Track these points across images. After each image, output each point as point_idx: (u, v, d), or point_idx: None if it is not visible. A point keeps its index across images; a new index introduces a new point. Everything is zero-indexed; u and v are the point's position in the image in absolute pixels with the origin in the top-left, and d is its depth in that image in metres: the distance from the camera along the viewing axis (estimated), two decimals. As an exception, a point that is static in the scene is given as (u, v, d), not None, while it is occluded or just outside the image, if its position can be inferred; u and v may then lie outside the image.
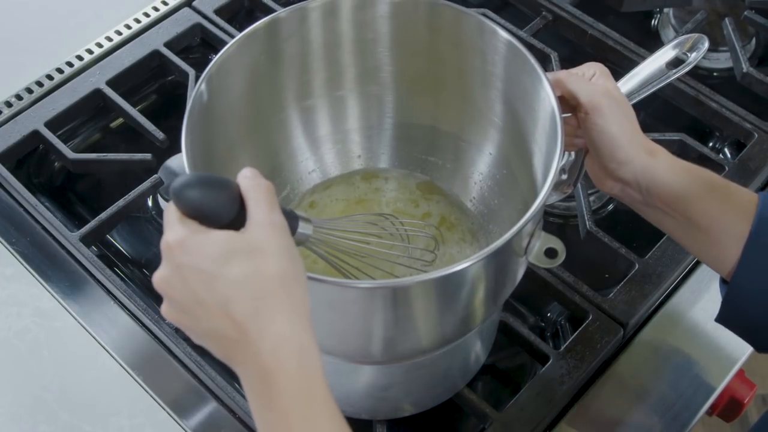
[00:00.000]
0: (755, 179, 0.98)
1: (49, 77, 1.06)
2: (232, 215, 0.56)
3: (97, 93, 1.04)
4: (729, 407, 0.90)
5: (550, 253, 0.69)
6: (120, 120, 1.08)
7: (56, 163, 1.05)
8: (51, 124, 1.01)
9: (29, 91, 1.05)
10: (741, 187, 0.71)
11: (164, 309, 0.57)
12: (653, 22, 1.22)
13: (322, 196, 0.88)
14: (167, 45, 1.08)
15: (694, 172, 0.70)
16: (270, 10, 1.09)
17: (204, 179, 0.57)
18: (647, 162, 0.70)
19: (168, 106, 1.12)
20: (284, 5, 1.05)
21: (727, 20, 1.12)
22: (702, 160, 0.99)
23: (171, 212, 0.56)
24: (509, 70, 0.76)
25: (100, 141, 1.09)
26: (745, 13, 1.14)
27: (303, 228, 0.62)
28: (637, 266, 0.91)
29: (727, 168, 0.98)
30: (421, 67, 0.83)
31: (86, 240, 0.92)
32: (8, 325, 0.88)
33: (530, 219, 0.64)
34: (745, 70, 1.07)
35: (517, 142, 0.79)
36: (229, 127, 0.77)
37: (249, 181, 0.58)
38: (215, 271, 0.54)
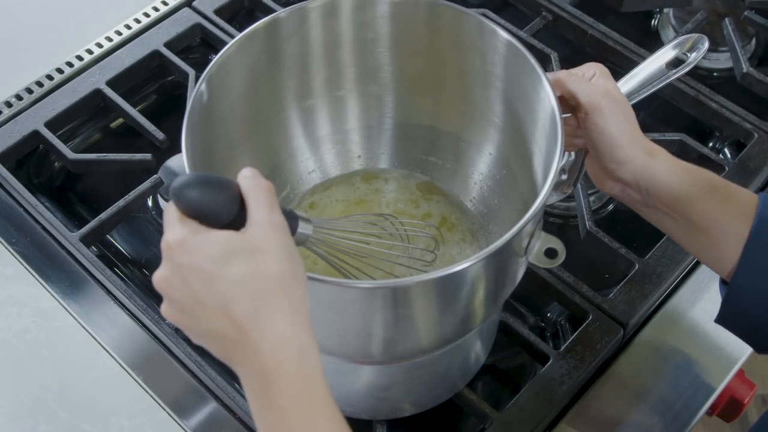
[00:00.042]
0: (755, 179, 0.98)
1: (49, 77, 1.06)
2: (232, 215, 0.57)
3: (97, 93, 1.04)
4: (729, 407, 0.90)
5: (550, 253, 0.69)
6: (120, 120, 1.09)
7: (56, 164, 1.05)
8: (51, 124, 1.01)
9: (29, 91, 1.05)
10: (741, 187, 0.71)
11: (164, 309, 0.57)
12: (653, 22, 1.22)
13: (322, 197, 0.88)
14: (167, 45, 1.08)
15: (694, 173, 0.70)
16: (270, 10, 1.09)
17: (204, 179, 0.57)
18: (647, 162, 0.70)
19: (168, 106, 1.12)
20: (284, 5, 1.05)
21: (727, 20, 1.12)
22: (702, 161, 0.99)
23: (171, 212, 0.56)
24: (509, 71, 0.76)
25: (100, 141, 1.09)
26: (745, 13, 1.14)
27: (303, 228, 0.62)
28: (637, 266, 0.91)
29: (727, 168, 0.98)
30: (421, 67, 0.83)
31: (86, 240, 0.92)
32: (8, 325, 0.88)
33: (530, 219, 0.64)
34: (745, 70, 1.07)
35: (517, 142, 0.79)
36: (229, 127, 0.77)
37: (249, 181, 0.58)
38: (215, 271, 0.54)
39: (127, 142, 1.07)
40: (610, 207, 1.02)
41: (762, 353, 0.75)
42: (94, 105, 1.05)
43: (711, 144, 1.08)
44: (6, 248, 0.93)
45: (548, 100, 0.70)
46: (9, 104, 1.03)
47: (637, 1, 1.17)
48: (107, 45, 1.09)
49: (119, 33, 1.10)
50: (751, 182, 0.98)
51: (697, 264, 0.93)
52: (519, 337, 0.88)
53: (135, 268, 0.98)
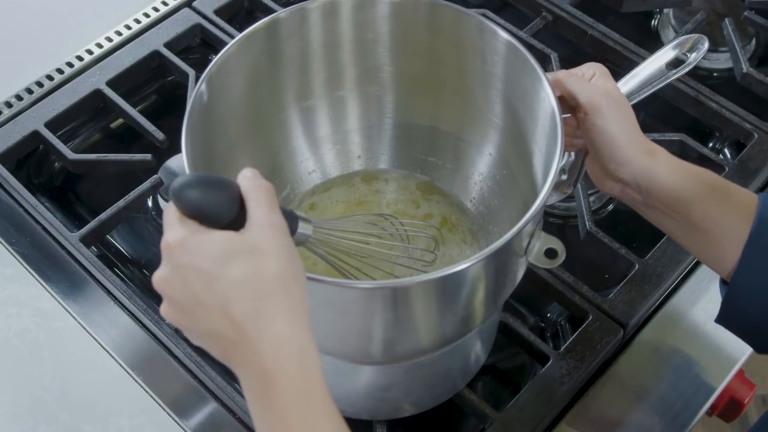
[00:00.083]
0: (755, 179, 0.98)
1: (49, 77, 1.06)
2: (232, 215, 0.56)
3: (97, 93, 1.04)
4: (729, 407, 0.90)
5: (550, 253, 0.69)
6: (120, 120, 1.09)
7: (56, 164, 1.05)
8: (51, 125, 1.01)
9: (29, 91, 1.05)
10: (741, 188, 0.71)
11: (163, 309, 0.57)
12: (653, 22, 1.22)
13: (322, 198, 0.88)
14: (167, 45, 1.08)
15: (695, 174, 0.70)
16: (270, 11, 1.09)
17: (204, 179, 0.57)
18: (647, 163, 0.70)
19: (168, 106, 1.12)
20: (284, 5, 1.05)
21: (727, 20, 1.12)
22: (702, 161, 0.99)
23: (171, 212, 0.56)
24: (509, 71, 0.76)
25: (100, 141, 1.09)
26: (745, 13, 1.14)
27: (303, 228, 0.62)
28: (637, 266, 0.91)
29: (727, 168, 0.98)
30: (421, 67, 0.83)
31: (86, 240, 0.92)
32: (8, 326, 0.88)
33: (530, 219, 0.64)
34: (745, 70, 1.07)
35: (517, 142, 0.79)
36: (229, 128, 0.77)
37: (249, 181, 0.58)
38: (215, 271, 0.54)
39: (127, 143, 1.07)
40: (610, 207, 1.02)
41: (762, 353, 0.75)
42: (94, 105, 1.05)
43: (711, 144, 1.08)
44: (6, 248, 0.93)
45: (548, 100, 0.70)
46: (9, 104, 1.03)
47: (637, 2, 1.17)
48: (107, 45, 1.09)
49: (119, 33, 1.10)
50: (751, 182, 0.98)
51: (697, 264, 0.93)
52: (519, 338, 0.88)
53: (135, 268, 0.98)
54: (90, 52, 1.08)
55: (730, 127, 1.04)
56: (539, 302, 0.96)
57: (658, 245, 0.92)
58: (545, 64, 1.06)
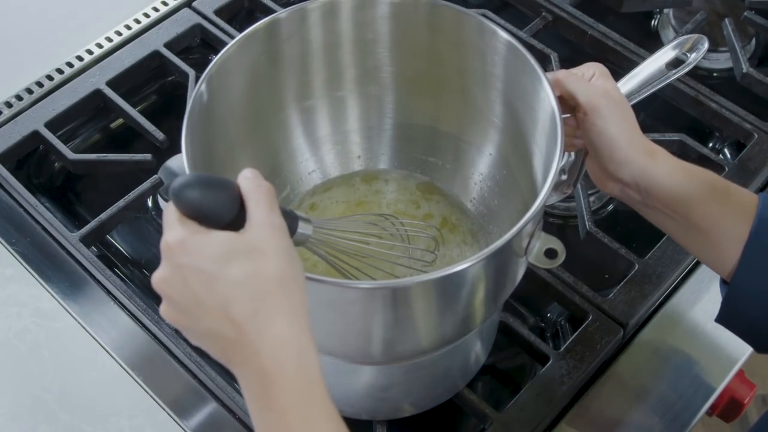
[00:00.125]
0: (755, 180, 0.98)
1: (49, 78, 1.06)
2: (232, 216, 0.56)
3: (97, 93, 1.04)
4: (729, 407, 0.90)
5: (550, 253, 0.69)
6: (120, 120, 1.09)
7: (56, 164, 1.05)
8: (51, 125, 1.01)
9: (29, 91, 1.05)
10: (741, 188, 0.71)
11: (163, 309, 0.57)
12: (653, 22, 1.22)
13: (322, 198, 0.88)
14: (167, 45, 1.08)
15: (694, 174, 0.70)
16: (270, 11, 1.09)
17: (204, 179, 0.57)
18: (646, 163, 0.70)
19: (168, 106, 1.12)
20: (284, 6, 1.05)
21: (726, 21, 1.12)
22: (702, 161, 0.99)
23: (171, 212, 0.56)
24: (509, 71, 0.76)
25: (100, 141, 1.09)
26: (745, 13, 1.14)
27: (303, 228, 0.62)
28: (636, 267, 0.91)
29: (726, 168, 0.98)
30: (421, 67, 0.83)
31: (86, 240, 0.92)
32: (8, 326, 0.88)
33: (530, 219, 0.64)
34: (744, 70, 1.07)
35: (517, 142, 0.79)
36: (229, 128, 0.77)
37: (249, 182, 0.58)
38: (215, 271, 0.54)
39: (127, 143, 1.07)
40: (610, 207, 1.02)
41: (762, 353, 0.75)
42: (94, 105, 1.05)
43: (711, 144, 1.08)
44: (6, 248, 0.93)
45: (548, 100, 0.70)
46: (9, 104, 1.03)
47: (637, 2, 1.17)
48: (107, 45, 1.09)
49: (119, 33, 1.10)
50: (750, 182, 0.98)
51: (697, 264, 0.93)
52: (519, 338, 0.88)
53: (135, 268, 0.98)
54: (90, 52, 1.08)
55: (730, 127, 1.04)
56: (539, 302, 0.96)
57: (658, 245, 0.92)
58: (545, 65, 1.06)
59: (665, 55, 0.79)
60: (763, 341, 0.73)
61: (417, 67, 0.83)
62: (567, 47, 1.13)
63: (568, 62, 0.94)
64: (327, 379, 0.56)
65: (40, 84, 1.05)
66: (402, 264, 0.79)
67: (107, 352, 0.87)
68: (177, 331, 0.85)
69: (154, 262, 0.97)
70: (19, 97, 1.04)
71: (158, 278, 0.56)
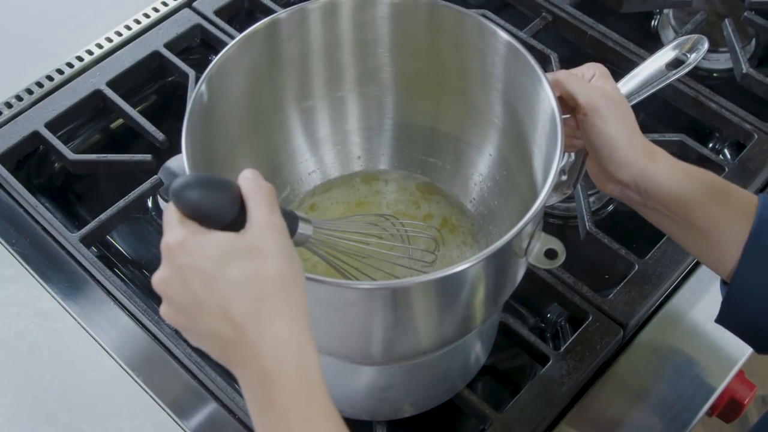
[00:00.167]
0: (755, 180, 0.98)
1: (50, 78, 1.06)
2: (232, 216, 0.56)
3: (97, 94, 1.04)
4: (729, 408, 0.90)
5: (550, 254, 0.69)
6: (120, 121, 1.09)
7: (56, 164, 1.05)
8: (51, 125, 1.01)
9: (29, 92, 1.05)
10: (741, 189, 0.71)
11: (163, 310, 0.57)
12: (653, 23, 1.22)
13: (322, 199, 0.88)
14: (167, 46, 1.08)
15: (694, 175, 0.70)
16: (270, 11, 1.09)
17: (204, 180, 0.57)
18: (645, 165, 0.70)
19: (168, 107, 1.12)
20: (284, 6, 1.05)
21: (726, 21, 1.12)
22: (702, 161, 0.99)
23: (171, 213, 0.56)
24: (509, 71, 0.76)
25: (100, 142, 1.09)
26: (745, 14, 1.14)
27: (303, 228, 0.62)
28: (636, 267, 0.91)
29: (726, 169, 0.98)
30: (421, 68, 0.83)
31: (86, 241, 0.92)
32: (8, 326, 0.88)
33: (530, 220, 0.64)
34: (744, 70, 1.07)
35: (517, 143, 0.79)
36: (229, 128, 0.77)
37: (250, 182, 0.58)
38: (216, 272, 0.54)
39: (127, 143, 1.07)
40: (610, 208, 1.02)
41: (762, 353, 0.75)
42: (94, 106, 1.05)
43: (711, 145, 1.08)
44: (6, 249, 0.93)
45: (548, 101, 0.70)
46: (9, 105, 1.03)
47: (636, 2, 1.17)
48: (107, 46, 1.09)
49: (119, 34, 1.10)
50: (750, 183, 0.98)
51: (697, 264, 0.93)
52: (519, 338, 0.88)
53: (135, 268, 0.98)
54: (90, 52, 1.08)
55: (729, 128, 1.04)
56: (539, 303, 0.96)
57: (657, 246, 0.92)
58: (545, 65, 1.06)
59: (665, 55, 0.79)
60: (763, 342, 0.73)
61: (417, 67, 0.83)
62: (567, 47, 1.13)
63: (567, 62, 0.94)
64: (327, 379, 0.56)
65: (40, 84, 1.05)
66: (402, 264, 0.79)
67: (107, 352, 0.87)
68: (177, 332, 0.85)
69: (154, 263, 0.97)
70: (19, 98, 1.04)
71: (158, 279, 0.56)
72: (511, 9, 1.18)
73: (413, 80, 0.84)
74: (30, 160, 1.04)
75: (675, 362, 0.88)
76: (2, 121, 1.01)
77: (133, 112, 1.02)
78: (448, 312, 0.69)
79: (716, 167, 0.99)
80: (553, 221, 1.01)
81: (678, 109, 1.07)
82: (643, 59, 0.82)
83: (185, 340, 0.82)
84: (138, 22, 1.11)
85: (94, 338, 0.88)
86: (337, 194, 0.88)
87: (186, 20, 1.11)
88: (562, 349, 0.85)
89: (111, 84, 1.04)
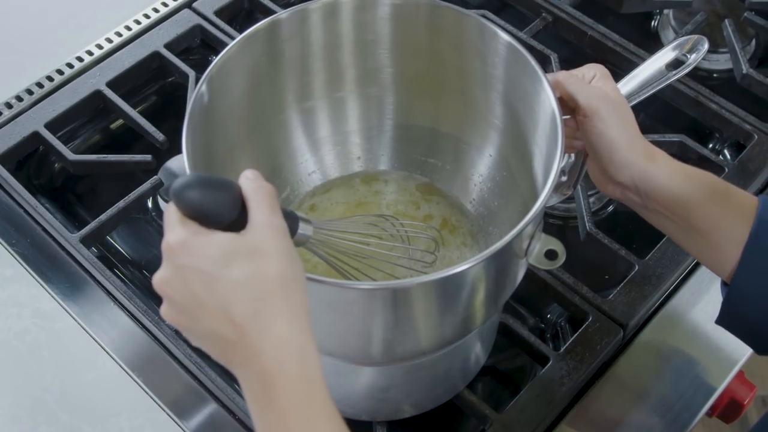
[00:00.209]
0: (755, 181, 0.98)
1: (50, 78, 1.06)
2: (233, 216, 0.56)
3: (97, 94, 1.04)
4: (729, 408, 0.90)
5: (550, 254, 0.69)
6: (120, 121, 1.09)
7: (56, 165, 1.05)
8: (51, 126, 1.01)
9: (29, 92, 1.05)
10: (741, 190, 0.71)
11: (163, 310, 0.57)
12: (653, 23, 1.22)
13: (322, 199, 0.88)
14: (167, 46, 1.08)
15: (694, 177, 0.70)
16: (270, 12, 1.09)
17: (204, 180, 0.57)
18: (645, 166, 0.69)
19: (168, 107, 1.12)
20: (284, 6, 1.05)
21: (726, 21, 1.12)
22: (702, 162, 0.99)
23: (171, 213, 0.56)
24: (509, 72, 0.76)
25: (100, 142, 1.09)
26: (745, 14, 1.14)
27: (303, 229, 0.62)
28: (636, 267, 0.91)
29: (726, 169, 0.98)
30: (421, 68, 0.83)
31: (86, 241, 0.92)
32: (8, 327, 0.88)
33: (530, 221, 0.64)
34: (744, 71, 1.07)
35: (518, 143, 0.79)
36: (230, 129, 0.77)
37: (251, 183, 0.58)
38: (216, 272, 0.54)
39: (127, 144, 1.07)
40: (610, 208, 1.02)
41: (762, 354, 0.75)
42: (94, 106, 1.05)
43: (711, 145, 1.08)
44: (6, 249, 0.93)
45: (548, 101, 0.70)
46: (9, 105, 1.03)
47: (636, 3, 1.17)
48: (107, 46, 1.09)
49: (119, 34, 1.10)
50: (750, 183, 0.98)
51: (697, 265, 0.93)
52: (519, 339, 0.88)
53: (135, 269, 0.98)
54: (90, 53, 1.08)
55: (730, 128, 1.04)
56: (539, 303, 0.96)
57: (657, 246, 0.92)
58: (545, 65, 1.06)
59: (665, 56, 0.79)
60: (763, 342, 0.73)
61: (417, 68, 0.83)
62: (567, 48, 1.13)
63: (568, 63, 0.94)
64: (327, 379, 0.56)
65: (40, 85, 1.05)
66: (402, 265, 0.79)
67: (107, 352, 0.87)
68: (177, 332, 0.85)
69: (154, 263, 0.97)
70: (19, 98, 1.04)
71: (159, 279, 0.56)
72: (511, 9, 1.18)
73: (413, 81, 0.84)
74: (30, 160, 1.04)
75: (675, 363, 0.88)
76: (2, 121, 1.01)
77: (133, 113, 1.02)
78: (448, 312, 0.69)
79: (716, 168, 0.99)
80: (553, 222, 1.01)
81: (678, 110, 1.07)
82: (643, 60, 0.82)
83: (185, 341, 0.82)
84: (138, 22, 1.11)
85: (94, 338, 0.88)
86: (337, 195, 0.88)
87: (186, 21, 1.11)
88: (562, 349, 0.85)
89: (111, 84, 1.04)
